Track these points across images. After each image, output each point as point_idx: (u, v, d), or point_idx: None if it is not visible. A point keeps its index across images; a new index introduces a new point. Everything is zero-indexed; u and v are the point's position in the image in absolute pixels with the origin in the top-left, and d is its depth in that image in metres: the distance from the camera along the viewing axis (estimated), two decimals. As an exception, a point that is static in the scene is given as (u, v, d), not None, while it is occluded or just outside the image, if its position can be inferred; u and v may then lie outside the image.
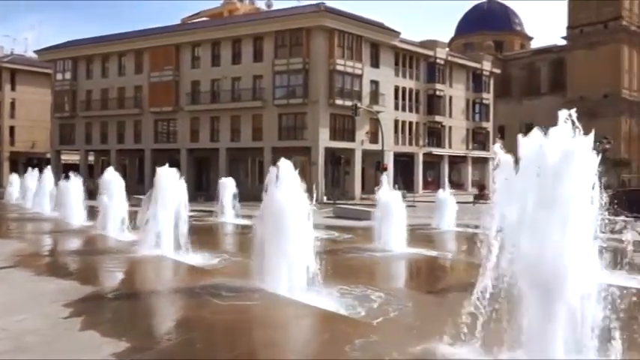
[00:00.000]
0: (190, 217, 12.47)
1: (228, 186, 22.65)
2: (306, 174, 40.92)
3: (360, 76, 43.95)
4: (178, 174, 12.46)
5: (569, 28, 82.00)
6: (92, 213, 18.38)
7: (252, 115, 44.36)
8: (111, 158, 51.17)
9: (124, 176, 17.46)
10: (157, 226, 11.83)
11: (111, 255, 11.97)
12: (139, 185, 42.13)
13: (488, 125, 61.46)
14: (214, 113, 46.32)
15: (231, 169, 44.03)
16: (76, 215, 19.33)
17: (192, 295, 7.99)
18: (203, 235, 16.43)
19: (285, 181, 8.24)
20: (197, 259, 11.43)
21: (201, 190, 41.00)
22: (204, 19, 60.30)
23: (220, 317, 6.79)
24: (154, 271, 10.72)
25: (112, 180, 16.38)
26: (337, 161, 41.72)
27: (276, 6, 61.68)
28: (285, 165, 8.28)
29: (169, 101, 47.80)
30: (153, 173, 12.91)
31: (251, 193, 22.05)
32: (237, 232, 19.05)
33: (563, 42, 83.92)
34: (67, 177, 20.65)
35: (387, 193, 14.76)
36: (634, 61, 79.29)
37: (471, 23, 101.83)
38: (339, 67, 42.15)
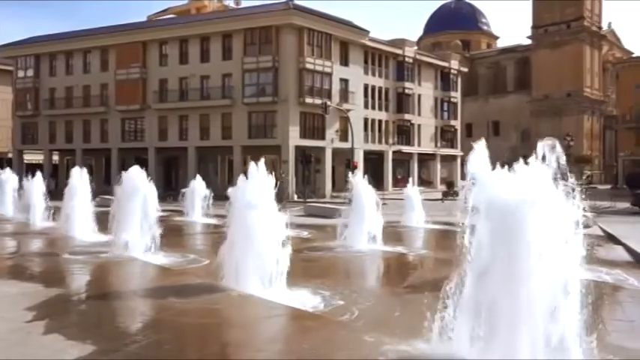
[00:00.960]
0: (159, 217, 12.28)
1: (198, 185, 22.44)
2: (276, 172, 40.83)
3: (329, 75, 44.03)
4: (146, 174, 12.26)
5: (533, 27, 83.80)
6: (57, 214, 17.94)
7: (222, 114, 43.97)
8: (76, 158, 49.99)
9: (90, 176, 17.06)
10: (124, 226, 11.62)
11: (77, 257, 11.69)
12: (105, 185, 41.36)
13: (456, 123, 62.32)
14: (183, 112, 45.73)
15: (201, 167, 43.57)
16: (40, 216, 18.86)
17: (161, 296, 7.88)
18: (172, 235, 16.21)
19: (253, 181, 8.19)
20: (166, 259, 11.28)
21: (171, 189, 40.45)
22: (171, 16, 59.48)
23: (189, 318, 6.70)
24: (121, 272, 10.53)
25: (77, 180, 16.02)
26: (307, 159, 41.68)
27: (244, 4, 61.15)
28: (253, 166, 8.25)
29: (136, 99, 46.98)
30: (120, 173, 12.67)
31: (221, 192, 21.83)
32: (206, 231, 18.86)
33: (529, 41, 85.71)
34: (31, 177, 20.13)
35: (359, 191, 14.76)
36: (595, 60, 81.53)
37: (438, 22, 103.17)
38: (308, 66, 42.13)
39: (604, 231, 17.29)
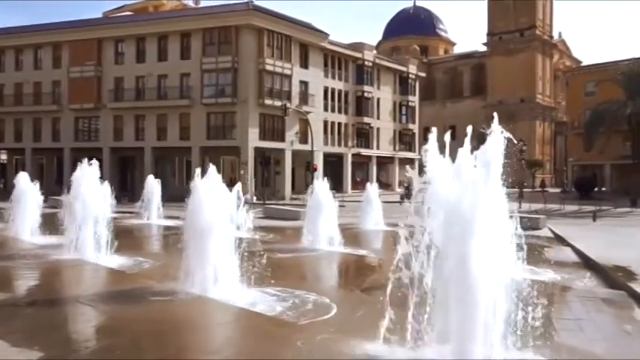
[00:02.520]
0: (114, 218, 11.99)
1: (153, 186, 21.96)
2: (235, 174, 40.51)
3: (289, 77, 44.00)
4: (99, 172, 11.94)
5: (488, 35, 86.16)
6: (5, 215, 17.24)
7: (180, 114, 43.27)
8: (26, 157, 48.22)
9: (41, 176, 16.51)
10: (75, 228, 11.28)
11: (24, 260, 11.27)
12: (57, 186, 40.04)
13: (414, 127, 63.32)
14: (139, 111, 44.74)
15: (158, 168, 42.71)
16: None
17: (113, 300, 7.69)
18: (127, 237, 15.84)
19: (210, 182, 8.10)
20: (119, 262, 11.01)
21: (126, 190, 39.53)
22: (127, 13, 58.14)
23: (143, 321, 6.56)
24: (71, 275, 10.21)
25: (25, 181, 15.47)
26: (267, 161, 41.49)
27: (203, 3, 60.39)
28: (211, 167, 8.17)
29: (91, 98, 45.66)
30: (72, 173, 12.29)
31: (178, 194, 21.46)
32: (162, 233, 18.51)
33: (484, 48, 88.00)
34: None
35: (318, 193, 14.78)
36: (547, 68, 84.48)
37: (397, 27, 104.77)
38: (268, 67, 41.99)
39: (554, 233, 17.88)
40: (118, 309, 7.18)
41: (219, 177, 8.22)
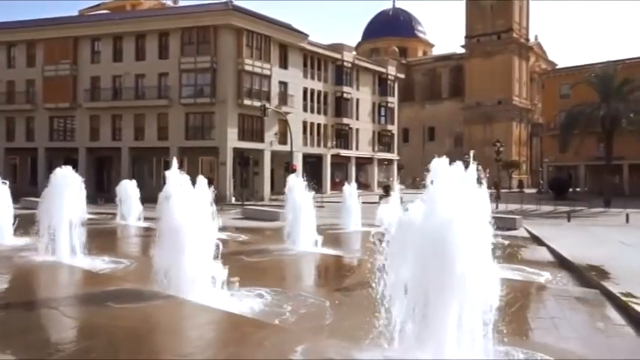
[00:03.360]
0: (90, 220, 11.81)
1: (129, 187, 21.67)
2: (214, 174, 40.24)
3: (268, 77, 43.87)
4: (76, 174, 11.75)
5: (466, 37, 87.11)
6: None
7: (158, 114, 42.80)
8: (-1, 157, 47.26)
9: (14, 176, 16.17)
10: (50, 229, 11.09)
11: (-3, 262, 11.03)
12: (31, 186, 39.33)
13: (393, 128, 63.66)
14: (116, 111, 44.12)
15: (135, 169, 42.25)
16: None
17: (88, 301, 7.58)
18: (103, 238, 15.64)
19: (182, 182, 8.04)
20: (95, 264, 10.85)
21: (103, 191, 38.96)
22: (104, 11, 57.39)
23: (120, 324, 6.48)
24: (46, 277, 10.02)
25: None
26: (246, 162, 41.28)
27: (182, 2, 59.95)
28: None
29: (66, 97, 44.85)
30: (48, 173, 12.07)
31: (156, 195, 21.22)
32: (139, 235, 18.28)
33: (463, 50, 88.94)
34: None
35: (297, 193, 14.74)
36: (523, 71, 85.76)
37: (376, 29, 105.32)
38: (247, 67, 41.82)
39: (530, 233, 18.16)
40: (93, 311, 7.07)
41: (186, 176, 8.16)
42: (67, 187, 11.38)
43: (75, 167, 12.52)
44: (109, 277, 9.77)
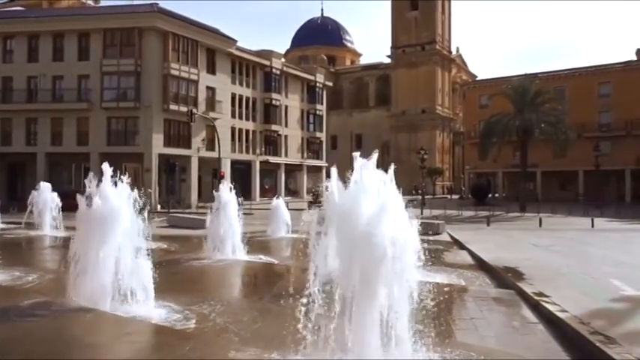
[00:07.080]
0: (1, 229, 11.04)
1: (46, 193, 20.46)
2: (138, 182, 38.86)
3: (195, 82, 43.07)
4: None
5: (392, 48, 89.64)
6: None
7: (77, 118, 40.82)
8: None
9: None
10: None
11: None
12: None
13: (322, 135, 64.32)
14: (31, 114, 41.65)
15: (52, 175, 39.94)
16: None
17: (1, 317, 7.05)
18: (14, 250, 14.68)
19: (106, 188, 7.69)
20: (4, 277, 10.13)
21: (16, 199, 36.59)
22: (19, 8, 54.14)
23: (35, 339, 6.06)
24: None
25: None
26: (172, 168, 40.22)
27: (105, 2, 57.75)
28: (107, 170, 7.75)
29: (-26, 99, 41.95)
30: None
31: (75, 203, 20.18)
32: (56, 245, 17.28)
33: (389, 60, 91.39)
34: None
35: (223, 200, 14.49)
36: (446, 81, 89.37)
37: (305, 36, 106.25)
38: (173, 72, 40.85)
39: (452, 237, 18.85)
40: (6, 327, 6.59)
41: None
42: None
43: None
44: (21, 291, 9.16)
